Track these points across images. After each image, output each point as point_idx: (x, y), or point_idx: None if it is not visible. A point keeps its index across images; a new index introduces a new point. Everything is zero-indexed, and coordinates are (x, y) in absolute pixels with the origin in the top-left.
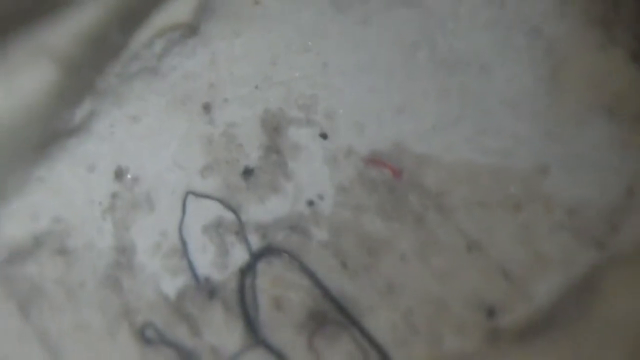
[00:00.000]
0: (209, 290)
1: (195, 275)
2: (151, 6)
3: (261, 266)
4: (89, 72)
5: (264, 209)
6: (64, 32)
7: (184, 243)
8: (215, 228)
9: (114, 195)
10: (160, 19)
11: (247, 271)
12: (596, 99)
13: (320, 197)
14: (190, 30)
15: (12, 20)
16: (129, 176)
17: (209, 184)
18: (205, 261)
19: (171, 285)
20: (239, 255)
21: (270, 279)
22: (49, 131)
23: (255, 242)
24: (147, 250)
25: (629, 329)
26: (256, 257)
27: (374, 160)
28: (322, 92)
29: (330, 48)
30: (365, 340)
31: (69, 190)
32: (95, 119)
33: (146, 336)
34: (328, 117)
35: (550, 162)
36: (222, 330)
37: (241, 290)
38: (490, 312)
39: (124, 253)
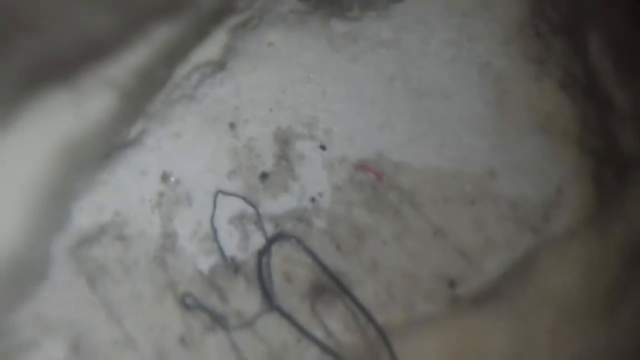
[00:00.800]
0: (234, 267)
1: (223, 256)
2: (189, 47)
3: (274, 248)
4: (140, 99)
5: (277, 204)
6: (122, 68)
7: (214, 231)
8: (239, 219)
9: (161, 194)
10: (197, 57)
11: (263, 252)
12: (532, 119)
13: (320, 195)
14: (219, 66)
15: (81, 57)
16: (172, 179)
17: (234, 185)
18: (231, 245)
19: (205, 264)
20: (257, 240)
21: (281, 258)
22: (111, 144)
23: (270, 229)
24: (186, 237)
25: (556, 296)
26: (270, 241)
27: (362, 166)
28: (322, 114)
29: (328, 80)
30: (354, 306)
31: (126, 190)
32: (146, 135)
33: (186, 303)
34: (326, 133)
35: (496, 168)
36: (244, 298)
37: (259, 266)
38: (451, 284)
39: (169, 238)
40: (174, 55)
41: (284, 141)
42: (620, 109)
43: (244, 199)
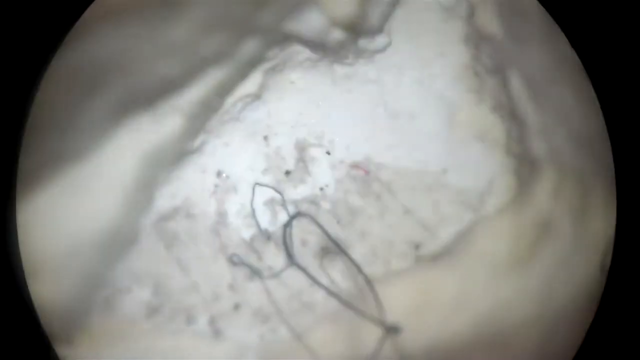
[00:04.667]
0: (267, 235)
1: (259, 228)
2: (235, 84)
3: (294, 223)
4: (201, 120)
5: (296, 192)
6: (188, 98)
7: (253, 210)
8: (270, 202)
9: (216, 185)
10: (240, 91)
11: (287, 225)
12: (472, 133)
13: (326, 186)
14: (256, 97)
15: (159, 91)
16: (224, 175)
17: (267, 179)
18: (265, 220)
19: (247, 233)
20: (283, 217)
21: (299, 229)
22: (181, 151)
23: (291, 210)
24: (234, 215)
25: (489, 255)
26: (292, 217)
27: (355, 165)
28: (327, 129)
29: (332, 105)
30: (350, 262)
31: (192, 183)
32: (205, 145)
33: (233, 260)
34: (330, 143)
35: (448, 166)
36: (274, 257)
37: (284, 235)
38: (417, 247)
39: (221, 216)
40: (225, 89)
41: (301, 148)
42: (532, 125)
43: (273, 188)
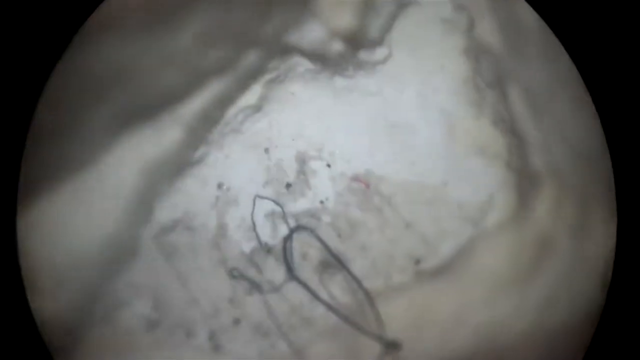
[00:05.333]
0: (267, 249)
1: (259, 241)
2: (236, 96)
3: (295, 236)
4: (202, 132)
5: (297, 205)
6: (188, 110)
7: (254, 223)
8: (271, 215)
9: (217, 198)
10: (241, 103)
11: (287, 239)
12: (473, 146)
13: (327, 199)
14: (257, 108)
15: (160, 103)
16: (224, 187)
17: (268, 191)
18: (265, 233)
19: (247, 246)
20: (283, 230)
21: (299, 243)
22: (182, 163)
23: (292, 223)
24: (234, 228)
25: (489, 271)
26: (292, 231)
27: (355, 178)
28: (327, 141)
29: (332, 118)
30: (350, 277)
31: (193, 195)
32: (206, 156)
33: (233, 274)
34: (330, 155)
35: (448, 180)
36: (274, 271)
37: (284, 249)
38: (417, 261)
39: (222, 229)
40: (225, 101)
41: (302, 161)
42: (532, 139)
43: (274, 201)
